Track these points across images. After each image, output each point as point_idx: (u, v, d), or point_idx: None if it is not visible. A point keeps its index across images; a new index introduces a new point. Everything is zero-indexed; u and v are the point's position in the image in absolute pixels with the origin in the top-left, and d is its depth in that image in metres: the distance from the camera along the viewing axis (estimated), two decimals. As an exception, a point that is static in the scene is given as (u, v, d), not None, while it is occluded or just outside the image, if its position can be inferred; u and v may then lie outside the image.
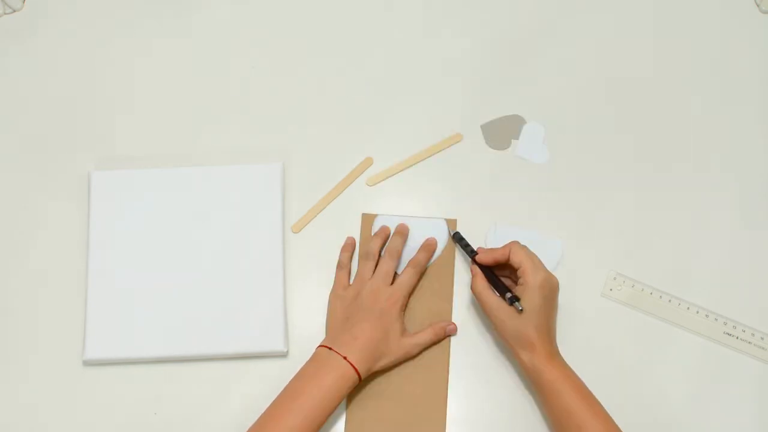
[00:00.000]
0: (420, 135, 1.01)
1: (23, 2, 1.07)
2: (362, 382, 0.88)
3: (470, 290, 0.90)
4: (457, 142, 1.01)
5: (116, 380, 0.92)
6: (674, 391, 0.91)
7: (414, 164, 1.00)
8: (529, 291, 0.85)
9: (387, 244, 0.95)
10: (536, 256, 0.87)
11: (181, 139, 1.01)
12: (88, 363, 0.92)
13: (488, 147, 1.01)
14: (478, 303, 0.89)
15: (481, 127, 1.02)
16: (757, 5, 1.07)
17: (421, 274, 0.93)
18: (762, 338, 0.93)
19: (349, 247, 0.95)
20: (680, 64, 1.04)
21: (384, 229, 0.95)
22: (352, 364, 0.85)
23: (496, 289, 0.88)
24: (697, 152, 1.00)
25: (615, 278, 0.95)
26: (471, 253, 0.92)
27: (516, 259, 0.87)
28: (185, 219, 0.96)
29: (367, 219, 0.97)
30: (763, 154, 1.00)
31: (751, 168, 1.00)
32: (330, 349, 0.86)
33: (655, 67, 1.04)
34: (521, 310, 0.84)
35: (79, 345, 0.92)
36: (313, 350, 0.89)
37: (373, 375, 0.90)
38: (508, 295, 0.85)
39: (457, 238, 0.94)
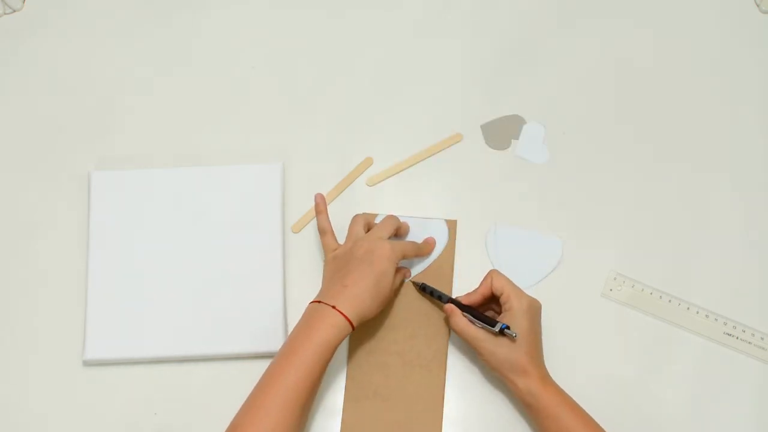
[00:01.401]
0: (420, 135, 1.01)
1: (23, 2, 1.07)
2: (359, 376, 0.88)
3: (452, 329, 0.88)
4: (457, 142, 1.01)
5: (116, 380, 0.92)
6: (674, 391, 0.91)
7: (414, 164, 1.00)
8: (517, 316, 0.85)
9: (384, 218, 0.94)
10: (512, 282, 0.87)
11: (181, 139, 1.01)
12: (88, 363, 0.92)
13: (488, 147, 1.01)
14: (462, 340, 0.88)
15: (481, 127, 1.02)
16: (757, 5, 1.07)
17: (415, 255, 0.93)
18: (762, 338, 0.93)
19: (321, 207, 0.93)
20: (680, 64, 1.04)
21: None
22: (342, 313, 0.83)
23: (480, 321, 0.86)
24: (697, 152, 1.00)
25: (615, 278, 0.95)
26: (441, 299, 0.91)
27: (498, 285, 0.87)
28: (185, 219, 0.96)
29: (367, 219, 0.97)
30: (763, 153, 1.00)
31: (751, 168, 1.00)
32: (320, 302, 0.85)
33: (655, 66, 1.04)
34: (515, 336, 0.83)
35: (79, 345, 0.92)
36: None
37: (369, 374, 0.90)
38: (500, 324, 0.84)
39: (427, 290, 0.92)
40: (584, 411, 0.84)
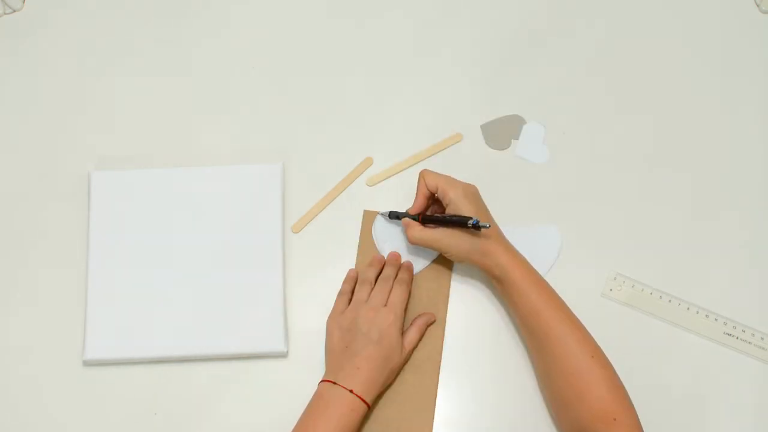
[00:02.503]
0: (420, 135, 1.01)
1: (23, 2, 1.07)
2: None
3: (412, 242, 0.90)
4: (457, 142, 1.01)
5: (116, 380, 0.92)
6: (674, 391, 0.91)
7: (414, 164, 1.00)
8: (459, 204, 0.88)
9: (381, 273, 0.94)
10: (446, 175, 0.91)
11: (181, 139, 1.01)
12: (88, 363, 0.92)
13: (488, 147, 1.01)
14: (425, 247, 0.91)
15: (481, 127, 1.02)
16: (757, 5, 1.07)
17: (409, 290, 0.93)
18: (762, 338, 0.93)
19: (350, 279, 0.94)
20: (680, 64, 1.04)
21: (378, 259, 0.95)
22: (359, 396, 0.84)
23: (448, 225, 0.88)
24: (696, 152, 1.00)
25: (615, 278, 0.95)
26: (404, 214, 0.93)
27: (431, 182, 0.90)
28: (185, 219, 0.96)
29: (369, 216, 0.97)
30: (763, 153, 1.00)
31: (750, 168, 1.00)
32: (334, 383, 0.85)
33: (655, 67, 1.04)
34: (488, 226, 0.85)
35: (79, 345, 0.92)
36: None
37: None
38: (471, 220, 0.85)
39: (392, 216, 0.95)
40: (550, 288, 0.88)
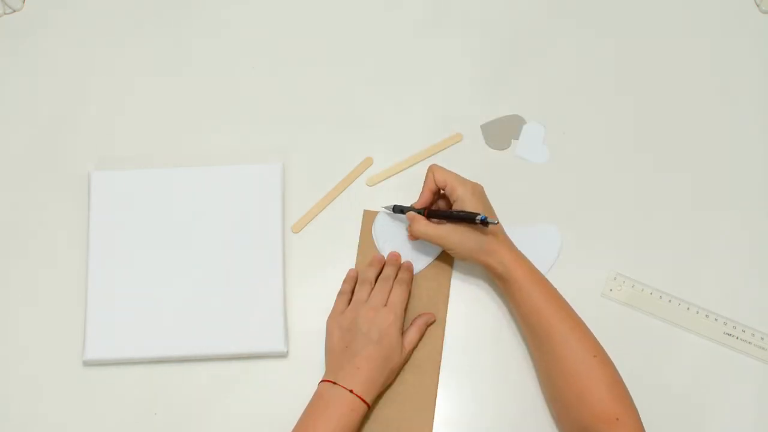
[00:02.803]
0: (420, 135, 1.01)
1: (23, 2, 1.07)
2: None
3: (416, 236, 0.90)
4: (457, 142, 1.01)
5: (116, 380, 0.92)
6: (674, 391, 0.91)
7: (414, 164, 1.00)
8: (467, 201, 0.88)
9: (381, 272, 0.94)
10: (455, 172, 0.91)
11: (181, 139, 1.01)
12: (88, 363, 0.92)
13: (488, 147, 1.01)
14: (429, 242, 0.91)
15: (481, 127, 1.02)
16: (757, 5, 1.07)
17: (409, 290, 0.93)
18: (762, 338, 0.93)
19: (350, 279, 0.94)
20: (680, 64, 1.04)
21: (378, 258, 0.95)
22: (359, 396, 0.84)
23: (454, 220, 0.88)
24: (696, 152, 1.00)
25: (615, 278, 0.95)
26: (409, 209, 0.93)
27: (440, 177, 0.90)
28: (185, 219, 0.96)
29: (369, 216, 0.97)
30: (762, 153, 1.00)
31: (750, 168, 1.00)
32: (334, 383, 0.85)
33: (655, 66, 1.04)
34: (497, 222, 0.86)
35: (79, 345, 0.92)
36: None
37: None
38: (479, 216, 0.85)
39: (396, 209, 0.95)
40: (552, 287, 0.88)
